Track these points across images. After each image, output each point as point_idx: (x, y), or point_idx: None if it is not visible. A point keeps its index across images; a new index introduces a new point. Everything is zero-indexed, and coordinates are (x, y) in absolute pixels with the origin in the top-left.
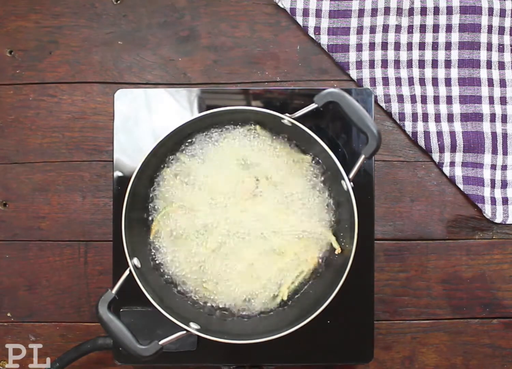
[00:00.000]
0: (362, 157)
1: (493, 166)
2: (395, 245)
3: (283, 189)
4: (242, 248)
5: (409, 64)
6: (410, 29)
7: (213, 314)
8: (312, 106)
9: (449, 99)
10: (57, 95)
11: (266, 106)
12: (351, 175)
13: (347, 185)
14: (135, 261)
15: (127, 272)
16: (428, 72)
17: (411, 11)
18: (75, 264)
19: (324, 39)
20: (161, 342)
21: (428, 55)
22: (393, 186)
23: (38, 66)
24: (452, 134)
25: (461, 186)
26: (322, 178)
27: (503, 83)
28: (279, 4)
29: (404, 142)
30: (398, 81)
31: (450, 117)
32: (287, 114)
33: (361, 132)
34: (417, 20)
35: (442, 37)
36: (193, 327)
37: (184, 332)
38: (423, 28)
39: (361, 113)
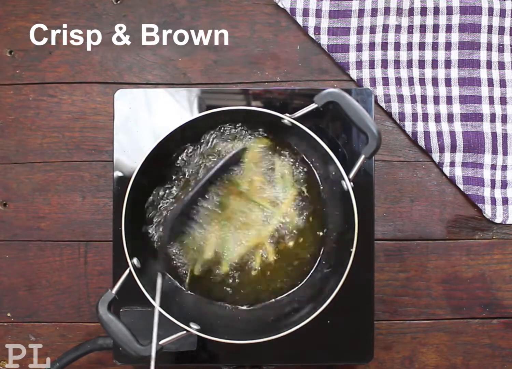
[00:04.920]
0: (362, 157)
1: (493, 167)
2: (395, 245)
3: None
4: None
5: (409, 64)
6: (410, 29)
7: (213, 313)
8: (312, 106)
9: (449, 99)
10: (57, 95)
11: (266, 106)
12: (351, 176)
13: (347, 185)
14: (135, 261)
15: (127, 272)
16: (428, 72)
17: (411, 11)
18: (75, 264)
19: (324, 39)
20: (161, 342)
21: (428, 55)
22: (393, 186)
23: (38, 66)
24: (452, 134)
25: (461, 186)
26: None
27: (503, 83)
28: (279, 4)
29: (404, 142)
30: (398, 81)
31: (450, 117)
32: (287, 114)
33: (361, 132)
34: (417, 20)
35: (442, 37)
36: (193, 327)
37: (184, 332)
38: (423, 28)
39: (361, 113)
